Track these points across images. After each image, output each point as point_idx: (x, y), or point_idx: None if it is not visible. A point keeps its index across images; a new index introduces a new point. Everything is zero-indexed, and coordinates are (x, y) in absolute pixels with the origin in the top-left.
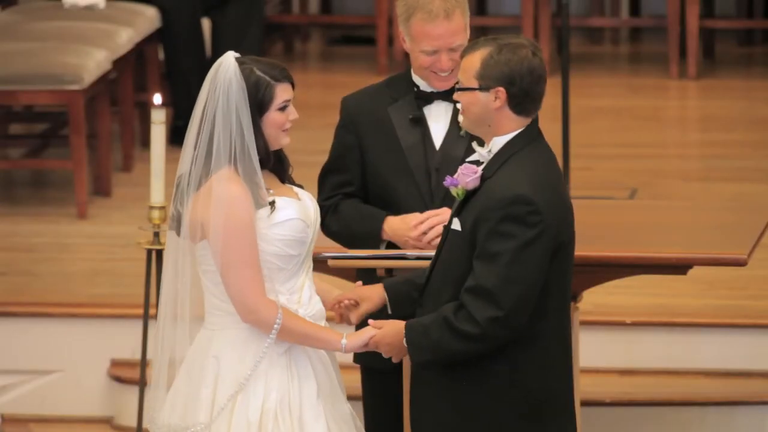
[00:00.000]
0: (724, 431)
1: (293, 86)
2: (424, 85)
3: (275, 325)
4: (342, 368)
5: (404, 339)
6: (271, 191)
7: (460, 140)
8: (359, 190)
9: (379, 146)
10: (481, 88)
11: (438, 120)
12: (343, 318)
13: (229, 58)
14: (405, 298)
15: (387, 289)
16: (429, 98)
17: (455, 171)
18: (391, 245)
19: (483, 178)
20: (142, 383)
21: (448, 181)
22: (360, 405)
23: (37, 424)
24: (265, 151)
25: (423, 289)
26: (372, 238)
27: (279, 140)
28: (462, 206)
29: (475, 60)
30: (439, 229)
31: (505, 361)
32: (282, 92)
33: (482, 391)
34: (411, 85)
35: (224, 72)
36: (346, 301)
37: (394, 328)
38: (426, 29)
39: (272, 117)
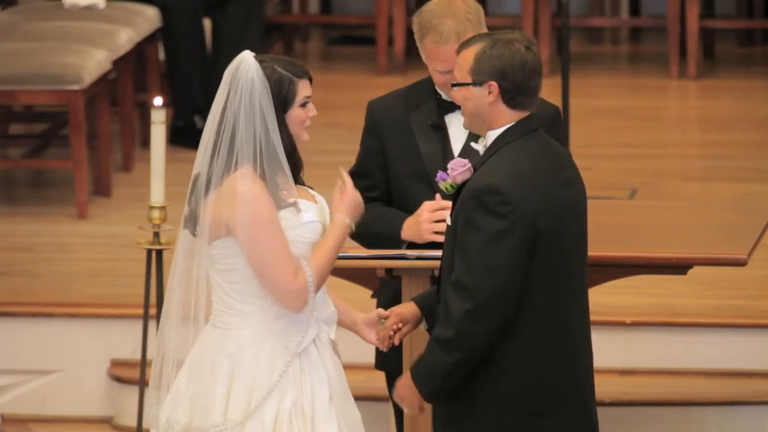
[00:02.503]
0: (724, 431)
1: (311, 82)
2: (445, 94)
3: (310, 287)
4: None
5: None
6: (286, 192)
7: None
8: (383, 194)
9: (399, 151)
10: (474, 83)
11: (458, 128)
12: (382, 339)
13: (249, 57)
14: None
15: (421, 307)
16: (450, 107)
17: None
18: (411, 246)
19: (475, 171)
20: (142, 383)
21: (438, 176)
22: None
23: (37, 424)
24: (291, 145)
25: (437, 288)
26: (392, 238)
27: (300, 137)
28: (454, 202)
29: (469, 55)
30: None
31: (495, 352)
32: (303, 89)
33: (474, 381)
34: (433, 92)
35: (245, 71)
36: (395, 326)
37: (403, 380)
38: (438, 52)
39: (295, 113)
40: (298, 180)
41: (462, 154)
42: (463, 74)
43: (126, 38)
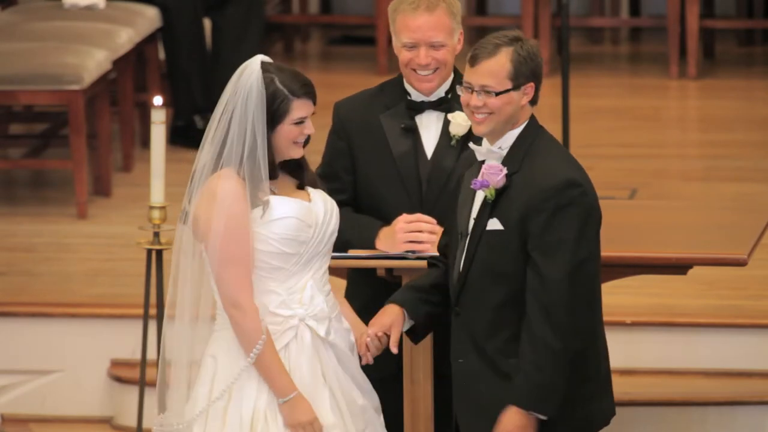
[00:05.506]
0: (724, 431)
1: (315, 102)
2: (415, 94)
3: (256, 347)
4: None
5: (525, 411)
6: (276, 190)
7: (451, 150)
8: (351, 197)
9: (370, 153)
10: (514, 88)
11: (429, 129)
12: (369, 351)
13: (256, 62)
14: (417, 303)
15: (402, 303)
16: (420, 108)
17: (445, 181)
18: None
19: (509, 174)
20: (142, 383)
21: (476, 184)
22: None
23: (37, 424)
24: (271, 160)
25: (458, 295)
26: (364, 246)
27: (289, 152)
28: (494, 206)
29: (503, 62)
30: (424, 235)
31: None
32: (298, 108)
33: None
34: (403, 93)
35: (248, 77)
36: (380, 333)
37: (510, 421)
38: (407, 21)
39: (285, 130)
40: (304, 184)
41: (434, 155)
42: (500, 81)
43: (126, 38)
